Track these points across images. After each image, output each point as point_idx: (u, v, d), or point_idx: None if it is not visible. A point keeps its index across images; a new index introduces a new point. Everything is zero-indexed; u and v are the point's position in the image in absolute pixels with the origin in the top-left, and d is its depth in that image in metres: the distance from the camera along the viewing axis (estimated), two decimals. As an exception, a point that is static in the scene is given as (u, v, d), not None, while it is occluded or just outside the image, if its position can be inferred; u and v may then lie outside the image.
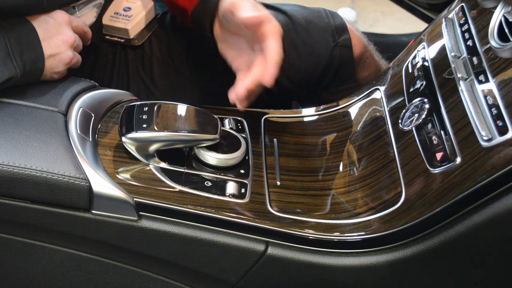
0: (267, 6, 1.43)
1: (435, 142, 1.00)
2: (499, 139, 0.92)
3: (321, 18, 1.40)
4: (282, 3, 1.44)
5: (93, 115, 1.13)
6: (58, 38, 1.13)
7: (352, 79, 1.43)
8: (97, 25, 1.32)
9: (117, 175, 1.05)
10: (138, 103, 1.10)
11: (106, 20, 1.36)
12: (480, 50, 1.04)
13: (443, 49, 1.12)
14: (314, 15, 1.41)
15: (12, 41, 1.08)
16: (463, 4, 1.16)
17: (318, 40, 1.38)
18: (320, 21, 1.40)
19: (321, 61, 1.39)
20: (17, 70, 1.08)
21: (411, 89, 1.12)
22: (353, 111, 1.22)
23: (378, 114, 1.17)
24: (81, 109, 1.11)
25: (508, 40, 0.99)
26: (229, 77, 1.25)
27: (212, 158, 1.08)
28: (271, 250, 1.03)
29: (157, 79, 1.37)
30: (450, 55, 1.08)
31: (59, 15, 1.14)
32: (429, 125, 1.03)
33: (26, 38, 1.10)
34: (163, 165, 1.08)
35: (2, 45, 1.07)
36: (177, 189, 1.05)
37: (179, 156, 1.10)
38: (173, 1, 1.28)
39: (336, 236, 1.02)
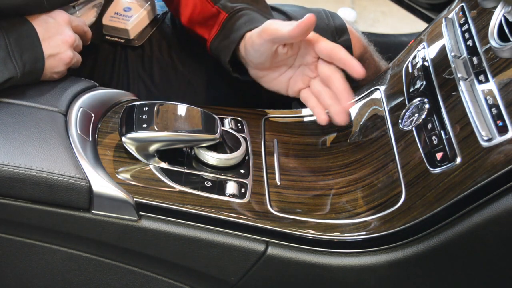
0: (267, 6, 1.43)
1: (435, 142, 1.00)
2: (499, 139, 0.92)
3: (321, 19, 1.40)
4: (282, 3, 1.44)
5: (93, 115, 1.13)
6: (58, 38, 1.13)
7: (351, 79, 1.43)
8: (97, 25, 1.31)
9: (117, 175, 1.04)
10: (138, 103, 1.10)
11: (106, 20, 1.36)
12: (480, 50, 1.04)
13: (443, 49, 1.12)
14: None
15: (12, 41, 1.08)
16: (463, 4, 1.16)
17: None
18: (320, 22, 1.40)
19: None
20: (17, 70, 1.08)
21: (411, 89, 1.12)
22: (353, 111, 1.22)
23: (378, 114, 1.17)
24: (81, 109, 1.11)
25: (508, 40, 0.99)
26: (229, 77, 1.25)
27: (212, 158, 1.08)
28: (271, 250, 1.03)
29: (157, 79, 1.37)
30: (450, 55, 1.08)
31: (59, 15, 1.14)
32: (429, 125, 1.03)
33: (26, 38, 1.10)
34: (163, 165, 1.07)
35: (2, 45, 1.07)
36: (177, 189, 1.05)
37: (179, 156, 1.09)
38: (192, 29, 1.28)
39: (336, 236, 1.02)
